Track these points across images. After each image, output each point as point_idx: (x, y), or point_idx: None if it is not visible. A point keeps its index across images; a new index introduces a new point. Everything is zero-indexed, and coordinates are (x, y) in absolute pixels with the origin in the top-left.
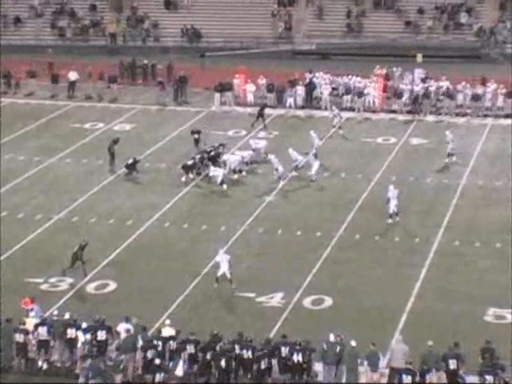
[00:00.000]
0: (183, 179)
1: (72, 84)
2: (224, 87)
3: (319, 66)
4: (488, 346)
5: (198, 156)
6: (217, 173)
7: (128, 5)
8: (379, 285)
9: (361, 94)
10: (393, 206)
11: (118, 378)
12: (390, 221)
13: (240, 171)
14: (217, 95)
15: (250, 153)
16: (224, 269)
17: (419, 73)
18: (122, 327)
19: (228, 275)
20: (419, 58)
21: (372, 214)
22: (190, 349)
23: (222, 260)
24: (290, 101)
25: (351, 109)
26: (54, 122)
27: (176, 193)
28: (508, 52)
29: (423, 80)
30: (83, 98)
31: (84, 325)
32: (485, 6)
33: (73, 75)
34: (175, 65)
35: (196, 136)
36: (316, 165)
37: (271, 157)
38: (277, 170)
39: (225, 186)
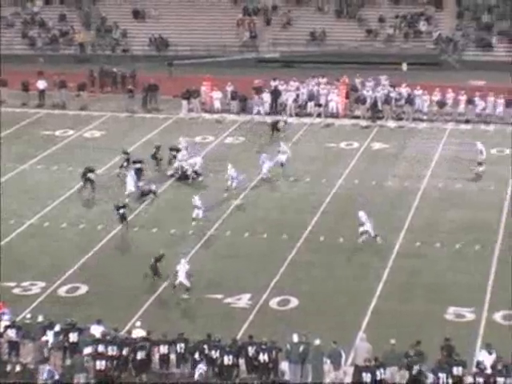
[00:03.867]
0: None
1: (41, 92)
2: (191, 94)
3: (283, 73)
4: (447, 343)
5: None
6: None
7: (97, 15)
8: (343, 286)
9: (317, 101)
10: (369, 228)
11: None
12: (360, 240)
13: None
14: (184, 102)
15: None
16: (181, 278)
17: (383, 79)
18: (95, 329)
19: (187, 284)
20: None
21: (336, 217)
22: (163, 349)
23: (181, 269)
24: (257, 108)
25: (316, 115)
26: (25, 130)
27: (144, 198)
28: (466, 59)
29: (384, 86)
30: (53, 106)
31: (57, 327)
32: (443, 15)
33: (41, 84)
34: (144, 73)
35: (174, 153)
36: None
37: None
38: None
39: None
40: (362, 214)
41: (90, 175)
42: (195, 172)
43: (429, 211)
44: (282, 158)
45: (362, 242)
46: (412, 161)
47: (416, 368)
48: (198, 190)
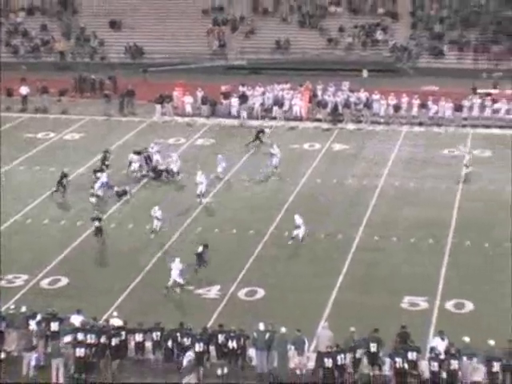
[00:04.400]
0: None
1: (24, 98)
2: (164, 99)
3: (250, 79)
4: (403, 330)
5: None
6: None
7: (76, 25)
8: (306, 277)
9: (282, 105)
10: (300, 233)
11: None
12: (290, 242)
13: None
14: (158, 107)
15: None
16: (174, 276)
17: (343, 85)
18: (74, 319)
19: (181, 281)
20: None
21: (299, 214)
22: (139, 337)
23: (175, 268)
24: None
25: (281, 118)
26: (9, 133)
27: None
28: (419, 66)
29: (344, 92)
30: (35, 110)
31: (38, 317)
32: (398, 25)
33: (24, 89)
34: (121, 80)
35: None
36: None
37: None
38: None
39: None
40: (297, 217)
41: (64, 180)
42: (168, 171)
43: (386, 208)
44: (275, 160)
45: (290, 243)
46: (370, 161)
47: (359, 351)
48: (171, 189)
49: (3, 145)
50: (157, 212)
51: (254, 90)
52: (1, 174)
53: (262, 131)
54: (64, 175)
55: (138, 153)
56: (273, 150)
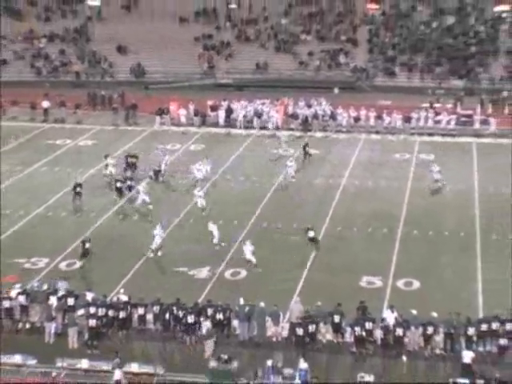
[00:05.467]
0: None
1: (45, 110)
2: (163, 111)
3: (235, 95)
4: (362, 304)
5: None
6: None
7: (89, 50)
8: (281, 261)
9: (260, 116)
10: (216, 240)
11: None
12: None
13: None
14: (157, 118)
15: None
16: (248, 256)
17: (312, 101)
18: (87, 295)
19: (253, 260)
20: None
21: (275, 208)
22: (141, 311)
23: (247, 249)
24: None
25: (260, 128)
26: (33, 140)
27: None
28: (375, 84)
29: (310, 106)
30: (55, 121)
31: (58, 294)
32: (358, 50)
33: (46, 103)
34: (126, 95)
35: (133, 160)
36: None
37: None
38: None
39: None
40: (211, 226)
41: (78, 189)
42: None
43: (347, 203)
44: (290, 170)
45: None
46: (335, 163)
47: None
48: (166, 189)
49: (28, 150)
50: (157, 229)
51: (238, 103)
52: (24, 175)
53: (307, 144)
54: (77, 185)
55: (134, 156)
56: (289, 163)
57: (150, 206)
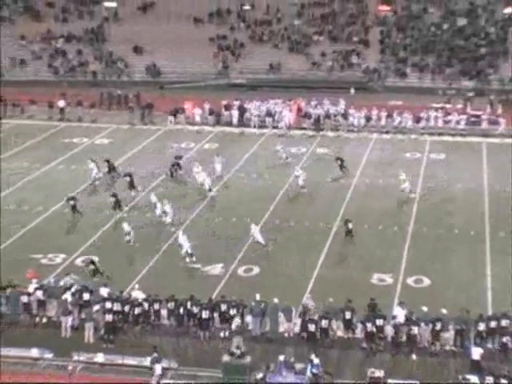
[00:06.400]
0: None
1: (61, 109)
2: (177, 111)
3: (249, 95)
4: (372, 301)
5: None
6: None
7: (106, 50)
8: (294, 257)
9: (273, 116)
10: (188, 249)
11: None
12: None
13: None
14: (170, 117)
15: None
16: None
17: (324, 101)
18: (103, 291)
19: (189, 251)
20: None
21: (288, 206)
22: (156, 306)
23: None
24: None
25: (273, 127)
26: (50, 138)
27: (143, 190)
28: (387, 84)
29: (322, 106)
30: (72, 120)
31: (74, 289)
32: (370, 51)
33: (61, 103)
34: (142, 95)
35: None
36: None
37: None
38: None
39: None
40: (180, 236)
41: (71, 202)
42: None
43: (358, 201)
44: (299, 180)
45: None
46: (346, 162)
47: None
48: (182, 185)
49: (46, 148)
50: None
51: (252, 103)
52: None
53: (341, 159)
54: (71, 198)
55: (107, 161)
56: (296, 172)
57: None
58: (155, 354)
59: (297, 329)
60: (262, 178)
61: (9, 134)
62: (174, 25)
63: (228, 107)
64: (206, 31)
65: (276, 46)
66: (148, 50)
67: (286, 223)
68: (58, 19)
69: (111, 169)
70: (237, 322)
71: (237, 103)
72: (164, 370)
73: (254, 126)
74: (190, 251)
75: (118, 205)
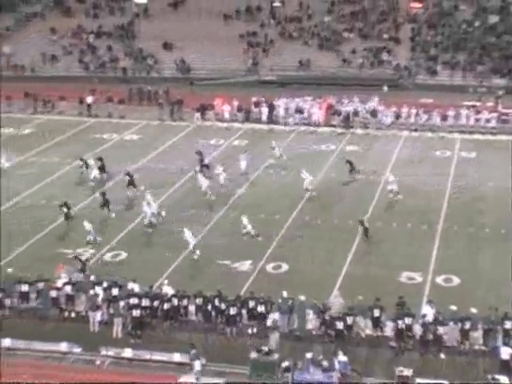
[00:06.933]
0: None
1: (89, 105)
2: (206, 108)
3: (278, 92)
4: (401, 300)
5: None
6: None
7: (136, 46)
8: (322, 255)
9: (301, 113)
10: (191, 247)
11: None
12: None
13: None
14: (197, 114)
15: None
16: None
17: (354, 98)
18: (132, 286)
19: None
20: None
21: (317, 203)
22: (185, 302)
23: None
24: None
25: (302, 124)
26: (80, 134)
27: (170, 187)
28: (417, 82)
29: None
30: (101, 115)
31: (104, 284)
32: (400, 48)
33: (90, 99)
34: (171, 91)
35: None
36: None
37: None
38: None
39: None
40: (187, 232)
41: (64, 209)
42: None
43: (387, 199)
44: (306, 183)
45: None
46: (375, 160)
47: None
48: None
49: (76, 143)
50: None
51: (281, 100)
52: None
53: (350, 162)
54: (64, 204)
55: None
56: (303, 175)
57: (162, 213)
58: (194, 351)
59: (325, 326)
60: (290, 175)
61: (40, 130)
62: (204, 21)
63: (257, 104)
64: (236, 28)
65: (306, 42)
66: (178, 47)
67: (314, 221)
68: (89, 15)
69: (101, 167)
70: (272, 318)
71: (267, 100)
72: (203, 366)
73: (283, 124)
74: (191, 247)
75: (106, 204)
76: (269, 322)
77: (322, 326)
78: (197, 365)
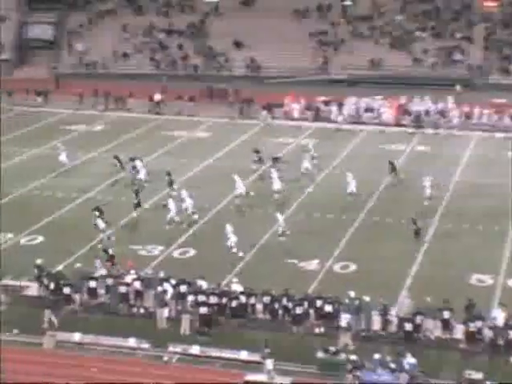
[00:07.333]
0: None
1: (157, 103)
2: (273, 106)
3: (348, 91)
4: (470, 302)
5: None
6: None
7: (206, 45)
8: (391, 255)
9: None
10: (232, 243)
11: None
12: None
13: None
14: (264, 112)
15: None
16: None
17: (425, 98)
18: (200, 283)
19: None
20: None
21: (386, 202)
22: (252, 300)
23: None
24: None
25: (372, 124)
26: (150, 131)
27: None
28: (490, 82)
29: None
30: (171, 113)
31: (172, 281)
32: (473, 48)
33: (157, 96)
34: (241, 89)
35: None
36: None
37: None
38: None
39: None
40: (228, 228)
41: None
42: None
43: (458, 200)
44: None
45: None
46: (446, 160)
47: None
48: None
49: (146, 140)
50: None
51: (351, 99)
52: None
53: (392, 163)
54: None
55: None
56: (348, 178)
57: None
58: (267, 349)
59: (393, 327)
60: (360, 174)
61: (110, 127)
62: (274, 19)
63: (327, 103)
64: (306, 26)
65: (377, 41)
66: (248, 45)
67: (384, 220)
68: (160, 13)
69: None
70: (347, 318)
71: (337, 99)
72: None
73: (353, 123)
74: (232, 244)
75: (138, 204)
76: (343, 323)
77: (386, 326)
78: (269, 363)
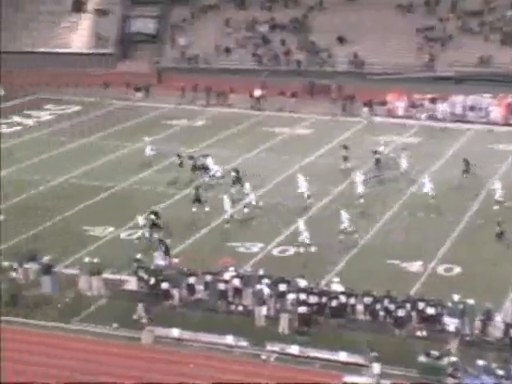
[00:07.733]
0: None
1: (257, 99)
2: (376, 103)
3: (455, 89)
4: None
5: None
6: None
7: (309, 40)
8: (497, 258)
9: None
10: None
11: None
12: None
13: None
14: (364, 109)
15: None
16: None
17: None
18: (299, 282)
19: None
20: None
21: (493, 204)
22: (352, 301)
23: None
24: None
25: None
26: (251, 127)
27: (340, 181)
28: None
29: None
30: (272, 109)
31: (267, 280)
32: None
33: (257, 92)
34: (344, 85)
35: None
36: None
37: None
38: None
39: None
40: (301, 225)
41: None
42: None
43: None
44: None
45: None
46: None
47: None
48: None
49: (247, 136)
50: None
51: (458, 97)
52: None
53: (467, 161)
54: (153, 213)
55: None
56: (425, 180)
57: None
58: (374, 353)
59: (498, 333)
60: (466, 173)
61: (212, 122)
62: (379, 14)
63: (433, 100)
64: (412, 21)
65: (487, 38)
66: (352, 40)
67: (490, 223)
68: (263, 7)
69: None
70: (455, 322)
71: (443, 97)
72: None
73: (460, 121)
74: (307, 241)
75: (198, 199)
76: (451, 328)
77: (491, 331)
78: (376, 367)
